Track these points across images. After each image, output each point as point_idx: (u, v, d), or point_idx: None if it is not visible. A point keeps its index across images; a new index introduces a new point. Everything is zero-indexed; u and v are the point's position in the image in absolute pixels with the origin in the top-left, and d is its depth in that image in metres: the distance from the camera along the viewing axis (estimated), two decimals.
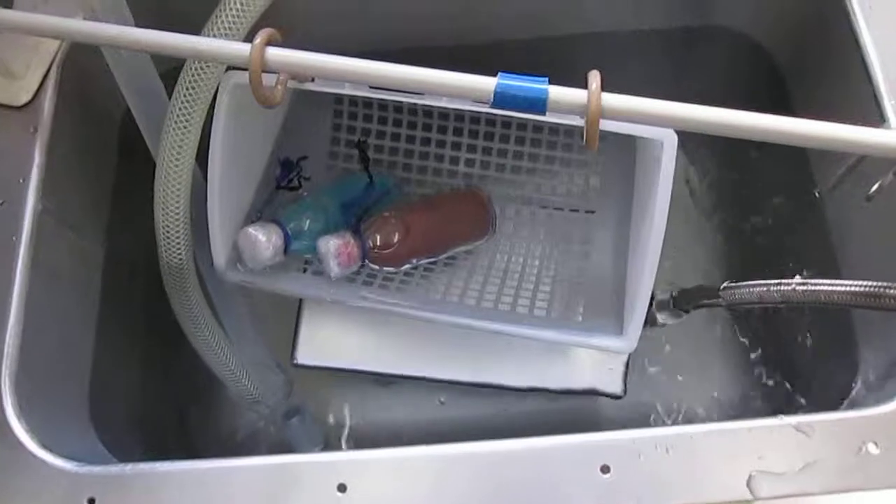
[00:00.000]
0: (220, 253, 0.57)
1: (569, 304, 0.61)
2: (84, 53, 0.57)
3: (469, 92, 0.42)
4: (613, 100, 0.41)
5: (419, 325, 0.62)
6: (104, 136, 0.63)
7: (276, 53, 0.44)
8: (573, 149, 0.66)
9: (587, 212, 0.68)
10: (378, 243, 0.57)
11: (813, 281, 0.48)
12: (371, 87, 0.53)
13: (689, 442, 0.43)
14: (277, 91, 0.50)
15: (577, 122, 0.51)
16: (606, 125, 0.49)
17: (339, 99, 0.67)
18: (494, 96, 0.42)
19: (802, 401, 0.62)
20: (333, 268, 0.55)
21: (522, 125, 0.66)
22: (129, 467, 0.44)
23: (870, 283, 0.44)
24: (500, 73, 0.42)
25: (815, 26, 0.60)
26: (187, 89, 0.51)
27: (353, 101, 0.67)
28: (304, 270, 0.60)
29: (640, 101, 0.41)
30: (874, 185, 0.49)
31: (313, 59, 0.44)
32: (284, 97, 0.49)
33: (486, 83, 0.42)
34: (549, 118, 0.50)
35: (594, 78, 0.41)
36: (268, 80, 0.48)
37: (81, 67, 0.58)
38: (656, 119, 0.41)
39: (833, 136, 0.40)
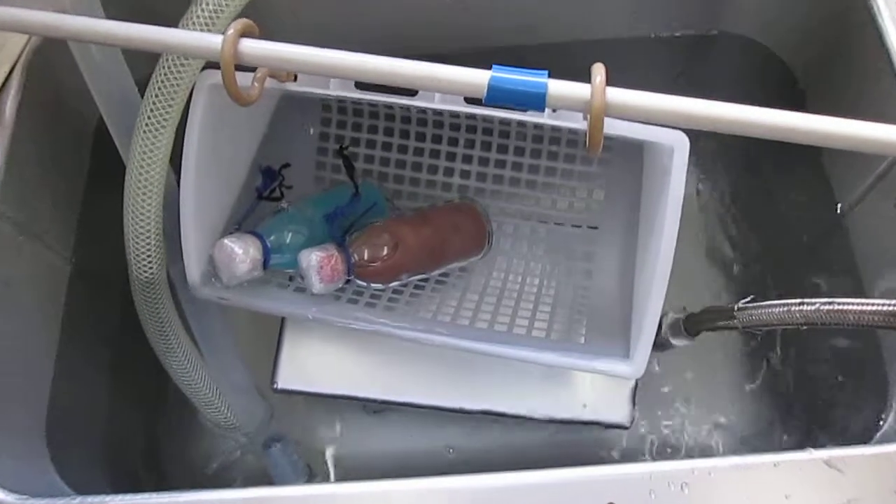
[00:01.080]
0: (193, 267, 0.53)
1: (570, 326, 0.57)
2: (54, 54, 0.54)
3: (461, 86, 0.39)
4: (619, 95, 0.38)
5: (411, 348, 0.58)
6: (76, 142, 0.59)
7: (250, 46, 0.40)
8: (575, 160, 0.63)
9: (590, 227, 0.64)
10: (365, 257, 0.53)
11: (839, 300, 0.45)
12: (358, 88, 0.50)
13: (706, 478, 0.38)
14: (254, 89, 0.46)
15: (579, 124, 0.48)
16: (610, 127, 0.46)
17: (326, 105, 0.64)
18: (488, 90, 0.38)
19: (827, 432, 0.57)
20: (315, 283, 0.51)
21: (521, 134, 0.63)
22: (78, 500, 0.40)
23: None
24: (494, 66, 0.38)
25: (831, 27, 0.57)
26: (160, 87, 0.48)
27: (342, 107, 0.64)
28: (287, 287, 0.56)
29: (650, 96, 0.38)
30: None
31: (292, 51, 0.40)
32: (261, 95, 0.46)
33: (480, 76, 0.39)
34: (549, 120, 0.47)
35: (598, 71, 0.38)
36: (246, 80, 0.46)
37: (51, 68, 0.55)
38: (668, 116, 0.38)
39: (865, 135, 0.36)
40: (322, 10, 0.62)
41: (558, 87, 0.38)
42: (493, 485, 0.41)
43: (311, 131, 0.64)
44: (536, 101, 0.38)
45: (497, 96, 0.39)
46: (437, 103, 0.48)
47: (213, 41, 0.40)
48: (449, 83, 0.39)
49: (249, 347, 0.63)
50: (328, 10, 0.63)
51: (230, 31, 0.40)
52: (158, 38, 0.41)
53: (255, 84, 0.46)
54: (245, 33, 0.41)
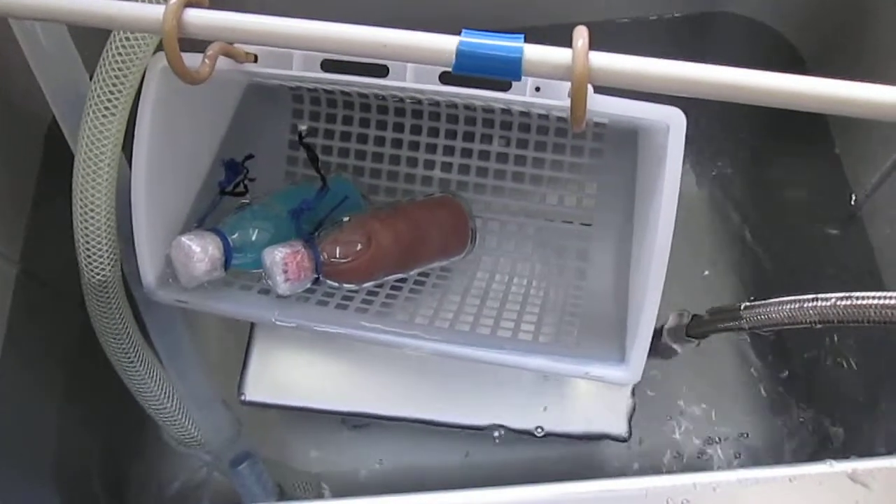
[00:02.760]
0: (148, 267, 0.49)
1: (561, 329, 0.53)
2: (1, 46, 0.51)
3: (425, 53, 0.35)
4: (605, 59, 0.34)
5: (392, 356, 0.55)
6: (27, 140, 0.56)
7: (196, 16, 0.37)
8: (565, 150, 0.58)
9: (583, 224, 0.59)
10: (335, 255, 0.49)
11: (858, 294, 0.41)
12: (324, 70, 0.46)
13: (710, 494, 0.34)
14: (205, 66, 0.42)
15: (565, 102, 0.44)
16: (598, 105, 0.42)
17: (298, 96, 0.60)
18: (457, 57, 0.35)
19: (846, 442, 0.52)
20: (280, 283, 0.47)
21: (506, 123, 0.58)
22: None
23: None
24: (464, 30, 0.35)
25: (841, 4, 0.53)
26: (108, 68, 0.44)
27: (315, 98, 0.60)
28: (252, 289, 0.52)
29: (640, 60, 0.34)
30: None
31: (241, 20, 0.37)
32: (212, 74, 0.42)
33: (447, 42, 0.35)
34: (531, 98, 0.43)
35: (581, 34, 0.34)
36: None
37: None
38: (661, 83, 0.34)
39: (878, 99, 0.32)
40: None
41: (536, 53, 0.34)
42: (477, 502, 0.37)
43: (302, 128, 0.60)
44: (511, 68, 0.34)
45: (467, 64, 0.35)
46: (409, 82, 0.44)
47: (153, 12, 0.37)
48: (412, 50, 0.35)
49: (217, 355, 0.60)
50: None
51: (173, 0, 0.36)
52: (96, 11, 0.38)
53: (206, 61, 0.42)
54: (191, 3, 0.37)
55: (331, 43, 0.36)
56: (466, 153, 0.60)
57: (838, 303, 0.41)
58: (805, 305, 0.43)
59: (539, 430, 0.55)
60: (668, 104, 0.41)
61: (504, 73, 0.35)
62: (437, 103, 0.57)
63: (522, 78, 0.43)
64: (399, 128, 0.60)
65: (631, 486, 0.35)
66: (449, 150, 0.60)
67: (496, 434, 0.56)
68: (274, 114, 0.60)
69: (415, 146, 0.60)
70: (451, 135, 0.60)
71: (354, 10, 0.59)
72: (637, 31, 0.61)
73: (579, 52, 0.33)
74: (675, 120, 0.41)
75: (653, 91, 0.34)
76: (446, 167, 0.60)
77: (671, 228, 0.42)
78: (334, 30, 0.36)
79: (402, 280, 0.55)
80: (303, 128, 0.57)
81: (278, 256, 0.47)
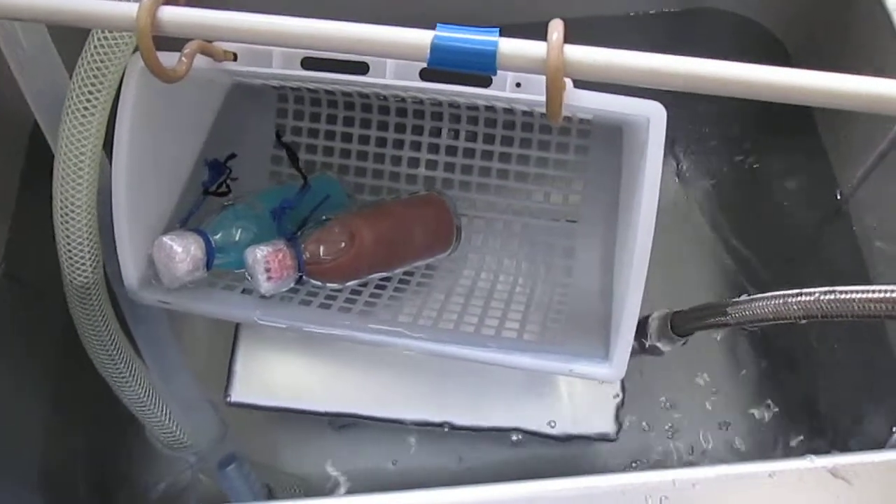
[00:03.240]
0: (130, 268, 0.49)
1: (546, 326, 0.52)
2: None
3: (401, 48, 0.35)
4: (579, 52, 0.34)
5: (377, 356, 0.55)
6: (9, 141, 0.56)
7: (171, 13, 0.37)
8: (550, 147, 0.58)
9: (568, 221, 0.59)
10: (319, 253, 0.49)
11: (841, 288, 0.41)
12: (304, 68, 0.46)
13: (690, 491, 0.34)
14: (181, 65, 0.42)
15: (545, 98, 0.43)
16: (577, 99, 0.42)
17: (282, 96, 0.60)
18: (432, 51, 0.35)
19: (831, 439, 0.52)
20: (262, 282, 0.47)
21: (491, 120, 0.58)
22: None
23: None
24: (438, 25, 0.35)
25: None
26: (87, 66, 0.44)
27: (299, 97, 0.60)
28: (235, 289, 0.52)
29: (615, 53, 0.34)
30: None
31: (217, 18, 0.37)
32: (188, 72, 0.42)
33: (422, 36, 0.35)
34: (511, 94, 0.43)
35: (556, 27, 0.34)
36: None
37: None
38: (637, 75, 0.34)
39: (861, 91, 0.32)
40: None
41: (511, 46, 0.34)
42: (457, 500, 0.37)
43: (266, 124, 0.59)
44: (486, 61, 0.34)
45: (442, 58, 0.35)
46: (389, 79, 0.44)
47: (128, 9, 0.36)
48: (387, 45, 0.35)
49: (203, 357, 0.59)
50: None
51: None
52: (70, 9, 0.37)
53: (183, 60, 0.42)
54: (166, 0, 0.37)
55: (306, 39, 0.36)
56: (451, 151, 0.59)
57: (822, 297, 0.41)
58: (789, 301, 0.43)
59: (526, 429, 0.55)
60: (655, 100, 0.41)
61: (479, 66, 0.35)
62: (421, 101, 0.57)
63: (503, 74, 0.43)
64: (383, 126, 0.60)
65: (610, 483, 0.35)
66: (433, 148, 0.59)
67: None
68: (258, 113, 0.60)
69: (399, 144, 0.60)
70: (436, 133, 0.59)
71: (334, 9, 0.59)
72: (621, 27, 0.61)
73: (554, 45, 0.33)
74: (655, 114, 0.41)
75: (630, 84, 0.34)
76: (431, 165, 0.60)
77: (652, 224, 0.41)
78: (309, 26, 0.36)
79: (387, 279, 0.54)
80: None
81: (260, 255, 0.47)
